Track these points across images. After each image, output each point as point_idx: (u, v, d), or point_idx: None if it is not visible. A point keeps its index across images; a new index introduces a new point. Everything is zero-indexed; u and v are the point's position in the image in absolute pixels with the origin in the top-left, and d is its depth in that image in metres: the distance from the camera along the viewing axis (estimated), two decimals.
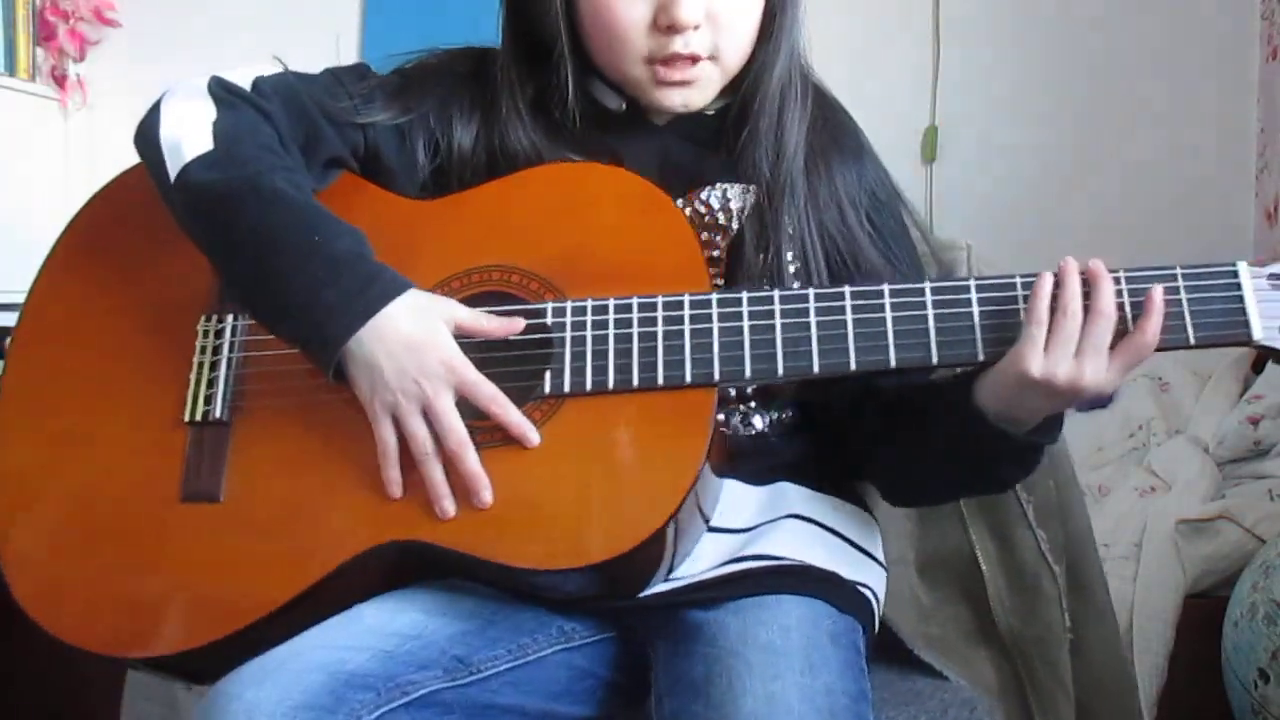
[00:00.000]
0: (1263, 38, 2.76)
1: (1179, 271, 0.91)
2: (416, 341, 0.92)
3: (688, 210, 1.05)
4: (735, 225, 1.05)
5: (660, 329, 0.94)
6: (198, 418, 1.01)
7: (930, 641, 1.20)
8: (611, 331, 0.95)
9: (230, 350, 1.02)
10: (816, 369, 0.93)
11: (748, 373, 0.93)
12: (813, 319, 0.94)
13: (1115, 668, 1.31)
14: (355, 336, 0.91)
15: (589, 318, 0.96)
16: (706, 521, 1.00)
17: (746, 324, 0.94)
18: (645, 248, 0.99)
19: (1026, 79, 2.83)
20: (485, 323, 0.95)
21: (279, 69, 1.07)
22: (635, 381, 0.94)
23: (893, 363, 0.93)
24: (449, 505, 0.92)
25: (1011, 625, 1.26)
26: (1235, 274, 0.91)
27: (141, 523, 1.00)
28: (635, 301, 0.96)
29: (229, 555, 0.97)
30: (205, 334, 1.04)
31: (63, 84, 3.07)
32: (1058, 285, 0.90)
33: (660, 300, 0.95)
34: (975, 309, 0.93)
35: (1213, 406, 2.28)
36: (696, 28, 0.99)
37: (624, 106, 1.07)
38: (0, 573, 1.01)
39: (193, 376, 1.02)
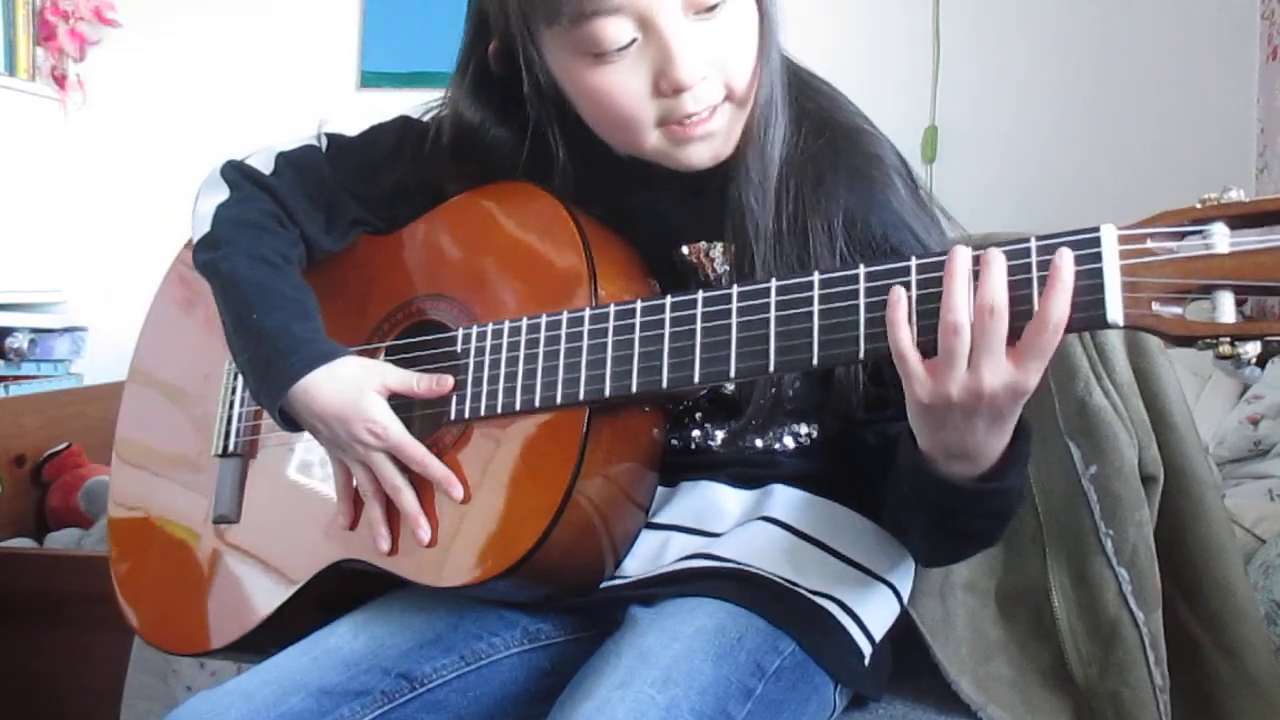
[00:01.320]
0: (1263, 38, 2.76)
1: (1033, 245, 0.76)
2: (343, 413, 0.99)
3: (693, 258, 1.03)
4: (725, 277, 1.01)
5: (541, 350, 0.95)
6: (221, 451, 1.15)
7: (990, 680, 1.09)
8: (504, 355, 0.98)
9: (244, 390, 1.15)
10: (665, 384, 0.90)
11: (607, 390, 0.92)
12: (666, 330, 0.90)
13: None
14: (285, 401, 1.01)
15: (488, 342, 0.99)
16: (644, 510, 1.02)
17: (610, 339, 0.93)
18: (541, 264, 1.00)
19: (1026, 79, 2.83)
20: (416, 386, 1.01)
21: (309, 140, 1.15)
22: (517, 405, 0.96)
23: (732, 373, 0.87)
24: (384, 543, 1.00)
25: (1088, 674, 1.09)
26: (1096, 242, 0.74)
27: (185, 543, 1.16)
28: (524, 323, 0.97)
29: (244, 569, 1.11)
30: (228, 375, 1.18)
31: (63, 84, 3.08)
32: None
33: (544, 320, 0.96)
34: (812, 307, 0.84)
35: (1212, 406, 2.28)
36: (704, 78, 0.93)
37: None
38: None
39: (220, 414, 1.16)
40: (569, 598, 1.01)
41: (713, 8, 0.92)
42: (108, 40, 3.11)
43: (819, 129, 1.01)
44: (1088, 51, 2.81)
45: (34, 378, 2.86)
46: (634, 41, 0.92)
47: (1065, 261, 0.75)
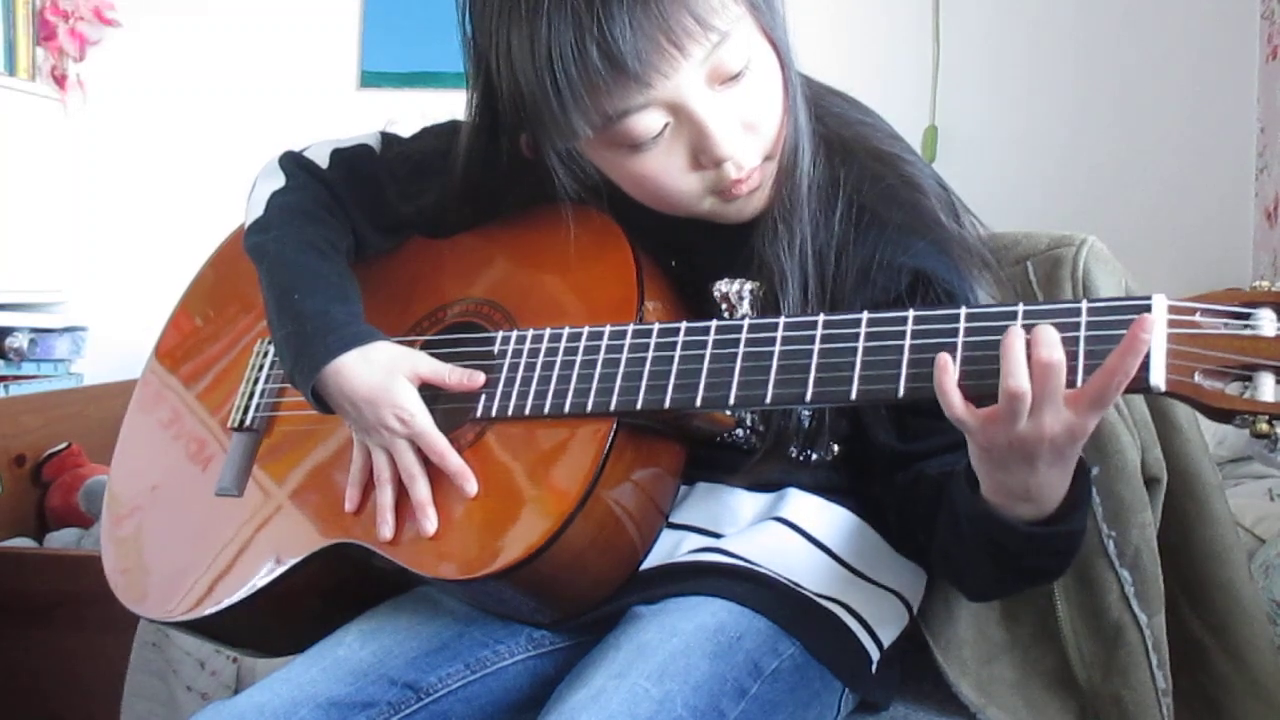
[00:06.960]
0: (1263, 38, 2.76)
1: (1083, 306, 0.79)
2: (373, 396, 1.00)
3: (721, 303, 1.03)
4: (753, 312, 1.02)
5: (579, 358, 0.96)
6: (237, 425, 1.16)
7: (993, 682, 1.08)
8: (540, 359, 0.98)
9: (271, 368, 1.18)
10: (699, 403, 0.90)
11: (639, 403, 0.92)
12: (708, 351, 0.91)
13: None
14: (317, 380, 1.02)
15: (526, 345, 1.00)
16: (654, 536, 1.02)
17: (651, 354, 0.93)
18: (592, 282, 1.02)
19: (1026, 79, 2.83)
20: (447, 377, 1.02)
21: (365, 139, 1.17)
22: (546, 408, 0.96)
23: (769, 399, 0.88)
24: (386, 531, 1.00)
25: (1091, 677, 1.08)
26: (1146, 309, 0.76)
27: (187, 511, 1.16)
28: (565, 332, 0.98)
29: (237, 542, 1.10)
30: (257, 354, 1.20)
31: (63, 84, 3.07)
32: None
33: (585, 331, 0.97)
34: (857, 344, 0.85)
35: None
36: (741, 144, 0.94)
37: None
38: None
39: (242, 389, 1.18)
40: (568, 614, 1.01)
41: (736, 76, 0.92)
42: (108, 40, 3.11)
43: (844, 159, 1.01)
44: (1088, 51, 2.81)
45: (34, 378, 2.85)
46: (667, 126, 0.93)
47: (1145, 327, 0.74)
